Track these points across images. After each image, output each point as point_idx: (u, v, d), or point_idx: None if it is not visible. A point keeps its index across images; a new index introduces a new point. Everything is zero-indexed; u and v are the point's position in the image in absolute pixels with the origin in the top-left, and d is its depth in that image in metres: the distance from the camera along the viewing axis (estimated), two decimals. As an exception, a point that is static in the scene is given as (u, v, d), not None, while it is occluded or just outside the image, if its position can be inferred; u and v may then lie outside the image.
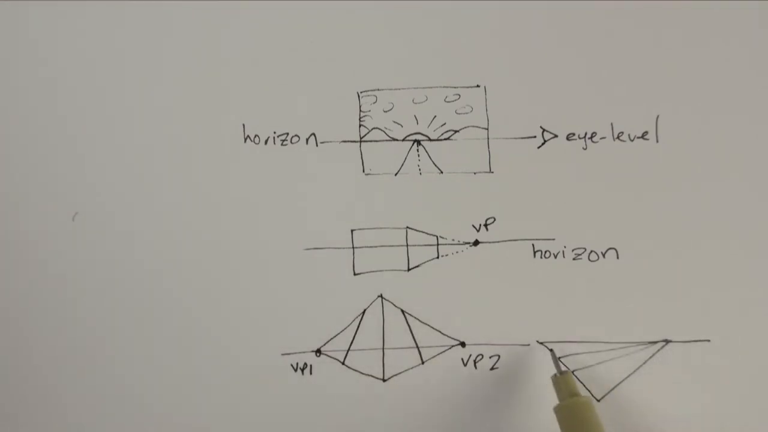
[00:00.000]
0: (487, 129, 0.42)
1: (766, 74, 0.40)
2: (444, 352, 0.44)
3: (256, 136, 0.43)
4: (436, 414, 0.45)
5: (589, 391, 0.43)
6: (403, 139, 0.43)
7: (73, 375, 0.45)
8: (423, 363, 0.44)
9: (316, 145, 0.43)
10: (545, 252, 0.43)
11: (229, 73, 0.42)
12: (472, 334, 0.44)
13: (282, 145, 0.43)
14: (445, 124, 0.42)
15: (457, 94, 0.42)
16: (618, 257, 0.42)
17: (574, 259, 0.42)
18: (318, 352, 0.44)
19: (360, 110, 0.42)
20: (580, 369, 0.43)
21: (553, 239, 0.43)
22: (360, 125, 0.43)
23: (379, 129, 0.43)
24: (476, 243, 0.43)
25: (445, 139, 0.42)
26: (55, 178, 0.43)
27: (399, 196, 0.43)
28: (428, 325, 0.44)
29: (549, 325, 0.43)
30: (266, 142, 0.43)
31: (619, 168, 0.42)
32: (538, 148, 0.42)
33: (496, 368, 0.44)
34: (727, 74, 0.41)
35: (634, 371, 0.43)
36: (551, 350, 0.43)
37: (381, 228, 0.43)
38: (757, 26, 0.40)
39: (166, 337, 0.44)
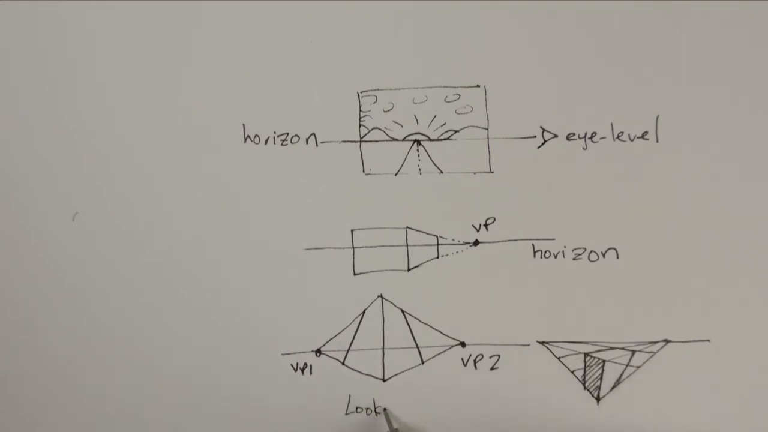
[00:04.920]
0: (487, 129, 0.42)
1: (766, 74, 0.40)
2: (444, 352, 0.44)
3: (256, 136, 0.43)
4: (436, 414, 0.45)
5: (588, 391, 0.43)
6: (403, 139, 0.43)
7: (73, 375, 0.45)
8: (423, 363, 0.44)
9: (316, 145, 0.43)
10: (545, 252, 0.43)
11: (229, 73, 0.42)
12: (472, 334, 0.44)
13: (282, 145, 0.43)
14: (445, 124, 0.42)
15: (457, 94, 0.42)
16: (618, 257, 0.42)
17: (574, 259, 0.42)
18: (318, 352, 0.44)
19: (360, 110, 0.42)
20: (579, 369, 0.44)
21: (553, 239, 0.43)
22: (360, 125, 0.43)
23: (379, 129, 0.42)
24: (476, 243, 0.43)
25: (445, 139, 0.42)
26: (55, 178, 0.43)
27: (399, 196, 0.43)
28: (428, 325, 0.44)
29: (549, 325, 0.43)
30: (266, 142, 0.43)
31: (619, 168, 0.42)
32: (538, 148, 0.42)
33: (496, 368, 0.44)
34: (727, 74, 0.41)
35: (635, 371, 0.43)
36: (385, 410, 0.44)
37: (381, 228, 0.43)
38: (757, 26, 0.40)
39: (165, 337, 0.44)
